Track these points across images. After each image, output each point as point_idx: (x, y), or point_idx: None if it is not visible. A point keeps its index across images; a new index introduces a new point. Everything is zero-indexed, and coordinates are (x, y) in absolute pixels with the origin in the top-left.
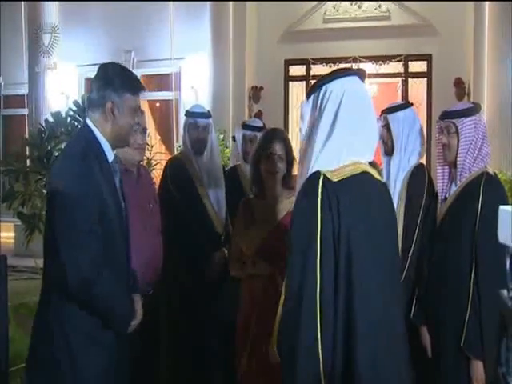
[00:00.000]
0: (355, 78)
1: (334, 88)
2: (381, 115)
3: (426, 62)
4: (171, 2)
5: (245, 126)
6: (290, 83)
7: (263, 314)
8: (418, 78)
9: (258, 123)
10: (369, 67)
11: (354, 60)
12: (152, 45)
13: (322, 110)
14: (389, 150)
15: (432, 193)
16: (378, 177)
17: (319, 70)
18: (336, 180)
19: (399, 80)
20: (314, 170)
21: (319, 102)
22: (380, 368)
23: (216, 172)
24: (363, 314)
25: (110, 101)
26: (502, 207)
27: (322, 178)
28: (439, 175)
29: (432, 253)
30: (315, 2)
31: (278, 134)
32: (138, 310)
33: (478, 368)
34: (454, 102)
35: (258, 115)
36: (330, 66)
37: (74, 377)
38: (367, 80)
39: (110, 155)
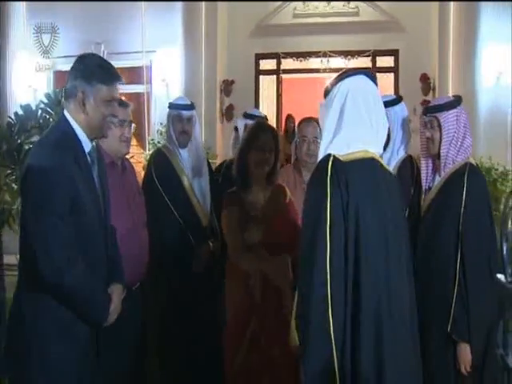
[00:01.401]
0: (362, 77)
1: (342, 86)
2: None
3: (393, 58)
4: None
5: (247, 116)
6: (261, 77)
7: (263, 311)
8: (385, 72)
9: (260, 113)
10: (338, 62)
11: (324, 55)
12: (123, 37)
13: (330, 106)
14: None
15: (420, 185)
16: (387, 168)
17: (289, 64)
18: (345, 160)
19: None
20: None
21: (330, 100)
22: (385, 340)
23: (200, 164)
24: (369, 284)
25: (80, 91)
26: None
27: (332, 158)
28: (423, 167)
29: (416, 241)
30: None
31: (267, 127)
32: (115, 300)
33: (466, 351)
34: (419, 97)
35: (230, 109)
36: (301, 61)
37: (46, 371)
38: (334, 74)
39: (87, 145)
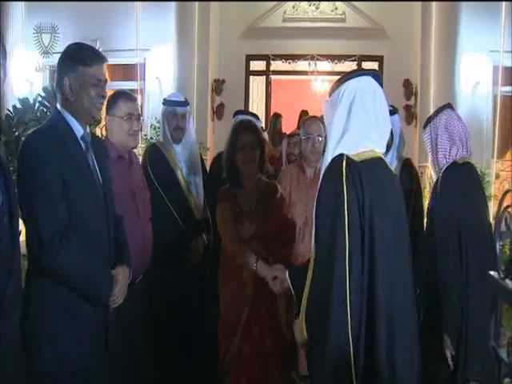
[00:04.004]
0: (369, 78)
1: (350, 85)
2: None
3: (377, 63)
4: None
5: (238, 113)
6: (251, 77)
7: (255, 303)
8: None
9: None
10: (325, 65)
11: (312, 58)
12: (118, 35)
13: (337, 104)
14: None
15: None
16: (391, 168)
17: (278, 65)
18: (357, 160)
19: None
20: (336, 154)
21: (337, 98)
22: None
23: (194, 159)
24: (384, 282)
25: (66, 77)
26: None
27: (345, 158)
28: None
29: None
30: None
31: (247, 125)
32: (120, 281)
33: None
34: (402, 101)
35: (221, 107)
36: (289, 63)
37: (53, 353)
38: (321, 77)
39: (79, 131)
